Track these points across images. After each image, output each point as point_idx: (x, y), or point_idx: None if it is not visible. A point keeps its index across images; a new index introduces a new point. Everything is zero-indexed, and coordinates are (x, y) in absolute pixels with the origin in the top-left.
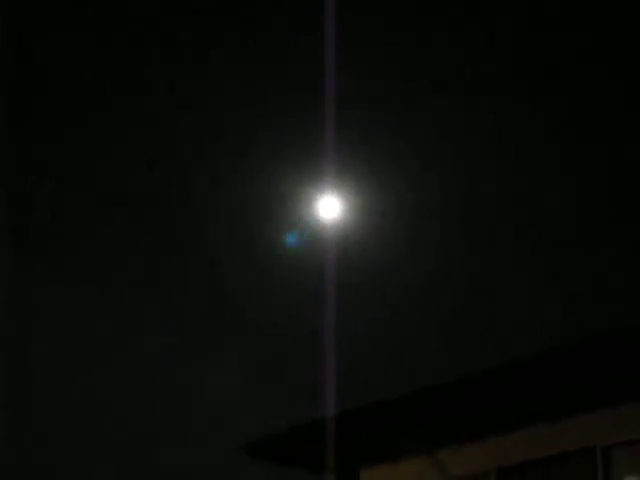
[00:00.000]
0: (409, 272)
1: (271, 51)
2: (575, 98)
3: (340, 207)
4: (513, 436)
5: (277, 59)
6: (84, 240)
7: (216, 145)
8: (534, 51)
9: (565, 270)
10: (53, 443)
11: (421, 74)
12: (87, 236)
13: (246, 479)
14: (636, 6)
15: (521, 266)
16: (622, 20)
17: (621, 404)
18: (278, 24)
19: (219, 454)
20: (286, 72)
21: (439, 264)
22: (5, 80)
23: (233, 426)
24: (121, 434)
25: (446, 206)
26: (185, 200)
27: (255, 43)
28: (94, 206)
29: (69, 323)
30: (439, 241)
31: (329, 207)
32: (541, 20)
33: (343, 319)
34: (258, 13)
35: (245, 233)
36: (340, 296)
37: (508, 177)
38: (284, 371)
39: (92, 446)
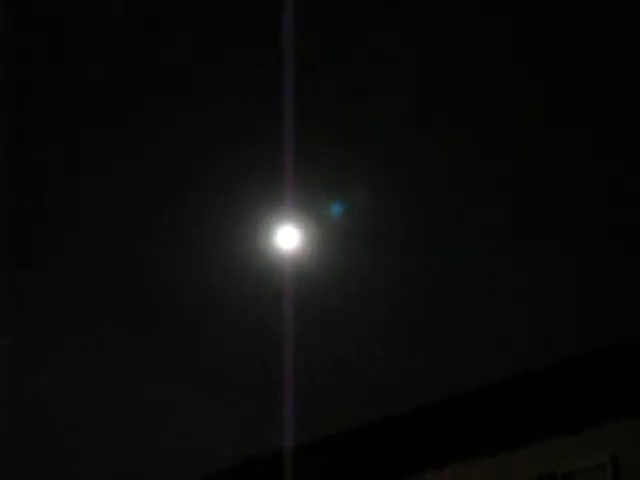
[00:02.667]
0: (370, 303)
1: (228, 77)
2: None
3: (299, 237)
4: (474, 465)
5: (234, 83)
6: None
7: (175, 172)
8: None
9: (534, 299)
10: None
11: (385, 91)
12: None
13: None
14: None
15: (485, 301)
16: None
17: (580, 431)
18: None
19: None
20: (246, 93)
21: (402, 295)
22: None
23: (191, 458)
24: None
25: (410, 234)
26: (142, 229)
27: (211, 69)
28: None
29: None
30: (403, 271)
31: (288, 237)
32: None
33: (302, 350)
34: (213, 40)
35: (203, 264)
36: (299, 326)
37: (486, 199)
38: (242, 403)
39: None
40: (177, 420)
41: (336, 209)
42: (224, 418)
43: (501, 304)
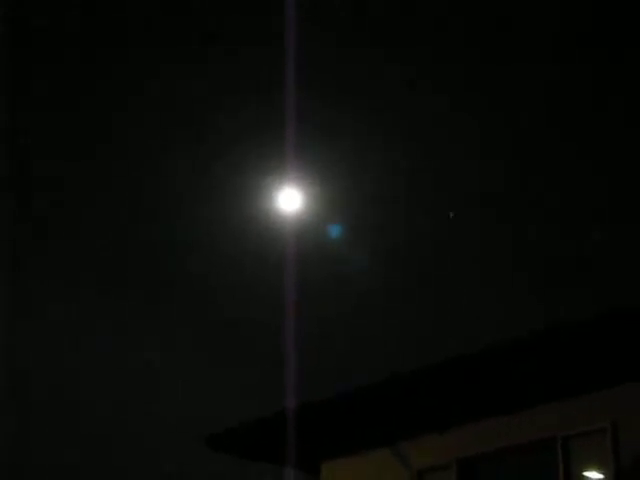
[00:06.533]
0: (372, 264)
1: (232, 40)
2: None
3: (301, 199)
4: (474, 427)
5: (237, 50)
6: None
7: (176, 137)
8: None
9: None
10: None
11: (387, 65)
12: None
13: (207, 471)
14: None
15: (486, 263)
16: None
17: (580, 395)
18: (240, 13)
19: (181, 447)
20: (246, 62)
21: (406, 254)
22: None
23: (195, 419)
24: (84, 423)
25: (409, 197)
26: (145, 194)
27: (216, 30)
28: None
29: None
30: (402, 232)
31: (290, 199)
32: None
33: (304, 311)
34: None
35: (206, 226)
36: (301, 289)
37: (478, 170)
38: (245, 364)
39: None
40: (179, 383)
41: (335, 230)
42: (227, 378)
43: (503, 266)
